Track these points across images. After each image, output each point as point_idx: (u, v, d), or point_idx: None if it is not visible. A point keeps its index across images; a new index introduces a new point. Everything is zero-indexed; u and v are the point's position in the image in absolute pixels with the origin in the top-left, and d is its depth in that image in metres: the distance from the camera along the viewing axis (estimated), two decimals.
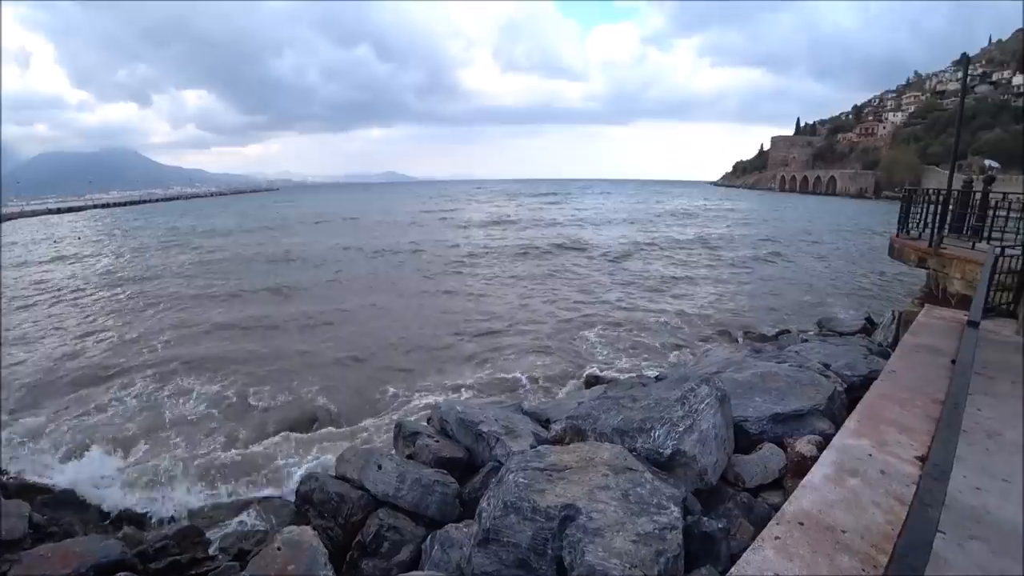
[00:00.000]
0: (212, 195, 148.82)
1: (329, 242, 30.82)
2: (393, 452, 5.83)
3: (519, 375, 9.95)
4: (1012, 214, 8.56)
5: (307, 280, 19.34)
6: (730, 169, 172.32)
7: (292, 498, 5.48)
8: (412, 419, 7.25)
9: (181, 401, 9.01)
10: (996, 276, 6.41)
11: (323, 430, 7.82)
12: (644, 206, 67.30)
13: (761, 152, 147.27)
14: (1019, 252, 6.63)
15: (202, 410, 8.68)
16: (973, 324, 5.11)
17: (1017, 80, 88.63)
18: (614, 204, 71.61)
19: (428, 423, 6.26)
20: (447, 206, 72.23)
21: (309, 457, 6.95)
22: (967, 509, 2.89)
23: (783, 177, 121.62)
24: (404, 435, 5.78)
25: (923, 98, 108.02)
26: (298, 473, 6.31)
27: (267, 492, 6.13)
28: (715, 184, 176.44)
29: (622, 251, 27.17)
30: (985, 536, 2.68)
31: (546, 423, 5.87)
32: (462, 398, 8.50)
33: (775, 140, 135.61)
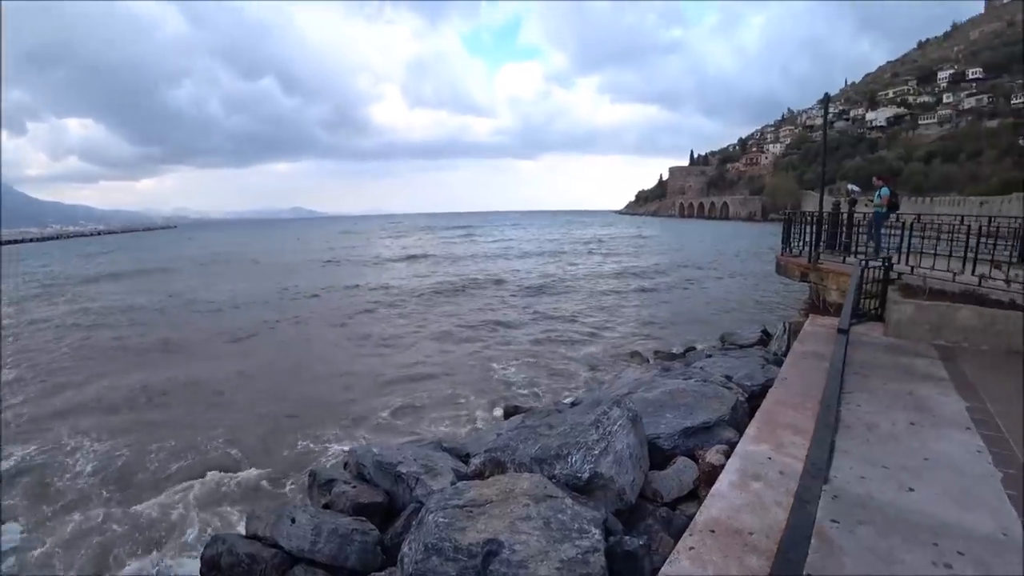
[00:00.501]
0: (99, 233, 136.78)
1: (230, 286, 28.90)
2: (308, 503, 5.49)
3: (437, 412, 9.77)
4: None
5: (207, 327, 17.95)
6: (633, 198, 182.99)
7: (197, 565, 4.98)
8: (327, 466, 6.88)
9: (67, 463, 8.04)
10: (863, 286, 7.16)
11: (230, 486, 7.22)
12: (555, 236, 69.33)
13: (660, 182, 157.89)
14: (880, 264, 7.48)
15: (90, 472, 7.76)
16: (842, 331, 5.64)
17: (869, 116, 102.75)
18: (526, 235, 73.03)
19: (344, 469, 5.97)
20: (358, 242, 70.67)
21: (215, 518, 6.38)
22: (854, 497, 3.15)
23: (682, 204, 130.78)
24: (319, 484, 5.46)
25: (796, 131, 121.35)
26: (202, 536, 5.78)
27: (168, 562, 5.56)
28: (620, 212, 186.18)
29: (537, 282, 27.69)
30: (872, 520, 2.92)
31: (466, 458, 5.77)
32: (378, 440, 8.19)
33: (672, 170, 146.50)
